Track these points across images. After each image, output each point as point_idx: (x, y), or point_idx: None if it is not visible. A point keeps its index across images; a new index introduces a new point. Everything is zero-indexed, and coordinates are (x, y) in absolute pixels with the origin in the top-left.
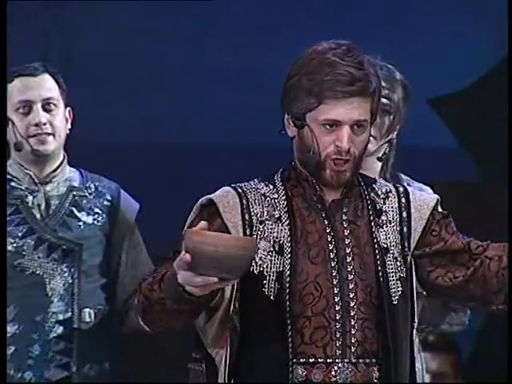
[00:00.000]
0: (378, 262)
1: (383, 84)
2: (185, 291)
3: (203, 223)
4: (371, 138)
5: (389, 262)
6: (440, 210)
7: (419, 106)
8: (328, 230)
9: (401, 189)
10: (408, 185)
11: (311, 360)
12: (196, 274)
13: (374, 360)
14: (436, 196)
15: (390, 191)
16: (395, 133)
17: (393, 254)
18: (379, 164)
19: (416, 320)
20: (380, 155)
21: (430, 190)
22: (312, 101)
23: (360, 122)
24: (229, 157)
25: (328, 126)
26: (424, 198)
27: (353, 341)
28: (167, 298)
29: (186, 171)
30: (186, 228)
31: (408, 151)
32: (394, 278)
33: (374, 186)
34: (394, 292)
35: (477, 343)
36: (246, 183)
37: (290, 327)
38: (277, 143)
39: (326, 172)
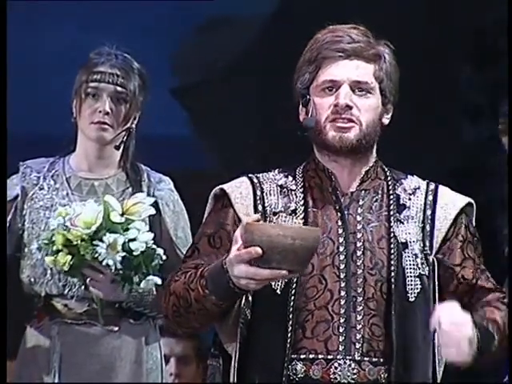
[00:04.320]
0: (392, 257)
1: (117, 72)
2: (235, 286)
3: (257, 216)
4: (108, 127)
5: (407, 258)
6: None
7: (160, 96)
8: (340, 223)
9: (432, 186)
10: (148, 175)
11: (311, 356)
12: (265, 267)
13: (382, 359)
14: (468, 199)
15: (419, 188)
16: (134, 121)
17: (412, 250)
18: (118, 153)
19: None
20: (118, 144)
21: (169, 181)
22: (312, 68)
23: (361, 85)
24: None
25: (328, 90)
26: (453, 197)
27: (358, 337)
28: (212, 295)
29: None
30: (206, 219)
31: (147, 141)
32: (413, 274)
33: (404, 181)
34: (412, 289)
35: None
36: (264, 173)
37: (291, 321)
38: None
39: (329, 134)
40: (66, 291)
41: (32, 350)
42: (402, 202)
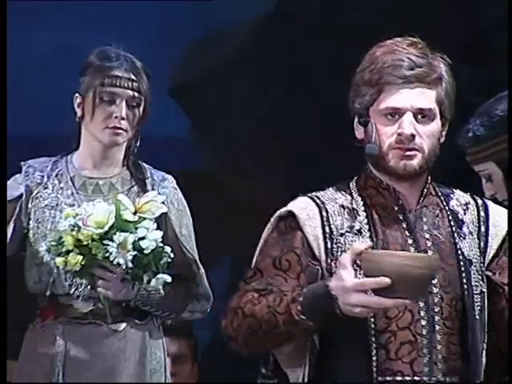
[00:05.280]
0: (464, 275)
1: (132, 77)
2: (341, 312)
3: (370, 243)
4: (123, 131)
5: (474, 275)
6: None
7: (160, 96)
8: (410, 242)
9: (479, 201)
10: (151, 174)
11: (398, 378)
12: (388, 296)
13: (459, 378)
14: None
15: (469, 202)
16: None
17: (475, 266)
18: (122, 152)
19: (486, 339)
20: (132, 147)
21: (172, 179)
22: (373, 91)
23: (424, 112)
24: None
25: (390, 116)
26: (503, 214)
27: (439, 357)
28: (309, 320)
29: None
30: (264, 241)
31: (147, 141)
32: (477, 291)
33: (452, 195)
34: (477, 306)
35: (215, 329)
36: (322, 192)
37: (375, 344)
38: None
39: (391, 162)
40: (72, 290)
41: (35, 350)
42: (459, 217)
